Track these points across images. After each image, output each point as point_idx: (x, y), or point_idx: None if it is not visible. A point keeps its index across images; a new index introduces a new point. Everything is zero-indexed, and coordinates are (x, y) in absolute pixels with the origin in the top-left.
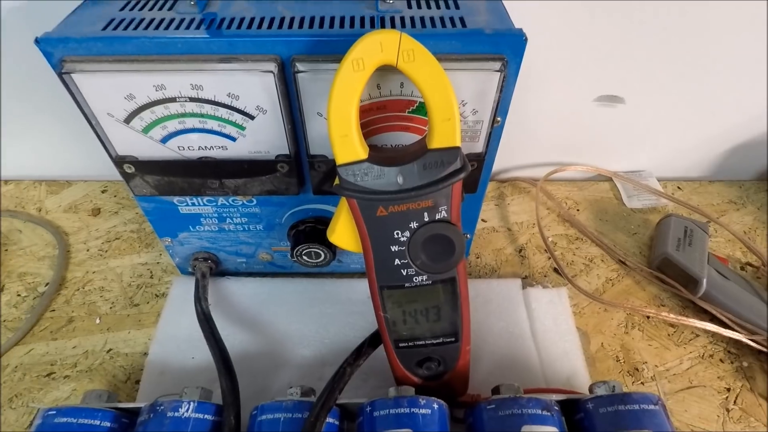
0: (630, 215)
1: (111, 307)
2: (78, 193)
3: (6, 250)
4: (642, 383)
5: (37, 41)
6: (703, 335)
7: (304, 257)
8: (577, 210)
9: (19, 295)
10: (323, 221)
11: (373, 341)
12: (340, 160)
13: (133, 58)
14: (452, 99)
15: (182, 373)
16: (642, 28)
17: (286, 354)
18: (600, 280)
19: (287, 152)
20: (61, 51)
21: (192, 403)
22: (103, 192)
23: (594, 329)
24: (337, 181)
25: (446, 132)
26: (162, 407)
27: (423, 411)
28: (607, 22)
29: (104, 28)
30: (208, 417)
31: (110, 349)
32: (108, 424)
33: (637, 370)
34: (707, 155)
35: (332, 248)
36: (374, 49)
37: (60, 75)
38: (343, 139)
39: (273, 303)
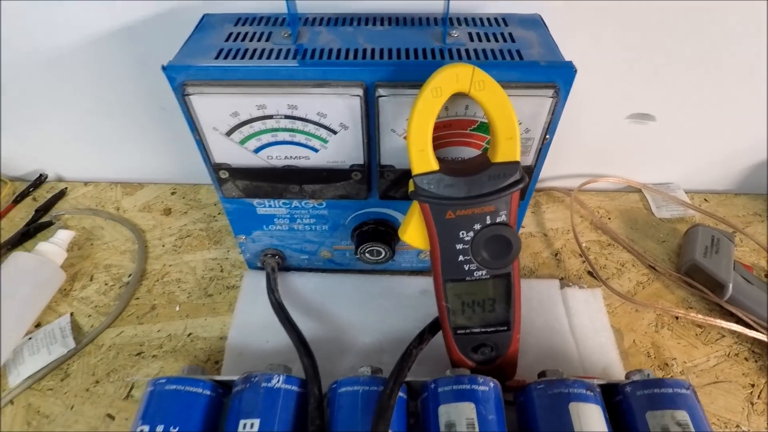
0: (659, 224)
1: (188, 297)
2: (150, 194)
3: (92, 244)
4: (671, 377)
5: (163, 68)
6: (729, 336)
7: (367, 254)
8: (609, 218)
9: (106, 284)
10: (384, 223)
11: (432, 328)
12: (416, 171)
13: (242, 83)
14: (515, 122)
15: (258, 355)
16: (671, 47)
17: (348, 341)
18: (631, 283)
19: (361, 162)
20: (183, 76)
21: (281, 376)
22: (172, 194)
23: (626, 327)
24: (411, 188)
25: (509, 149)
26: (256, 379)
27: (482, 388)
28: (638, 42)
29: (216, 57)
30: (294, 388)
31: (190, 333)
32: (208, 392)
33: (667, 365)
34: (733, 169)
35: (392, 247)
36: (451, 79)
37: (183, 97)
38: (420, 153)
39: (334, 296)
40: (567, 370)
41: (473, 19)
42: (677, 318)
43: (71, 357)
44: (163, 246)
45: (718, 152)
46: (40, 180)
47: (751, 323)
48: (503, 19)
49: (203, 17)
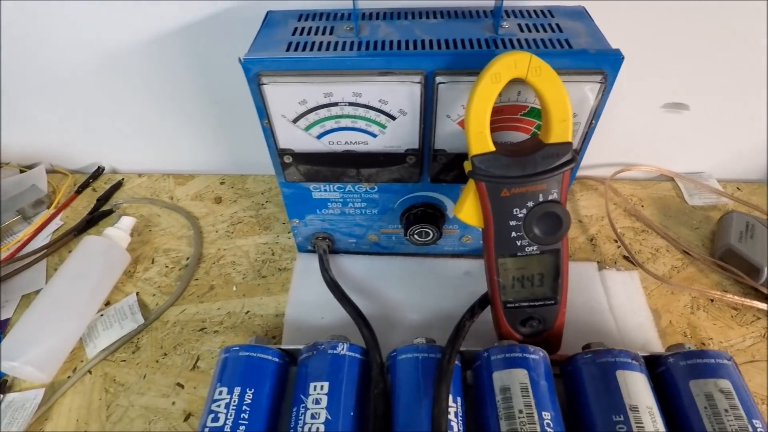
0: (692, 212)
1: (243, 278)
2: (201, 184)
3: (150, 230)
4: None
5: (240, 61)
6: (764, 317)
7: (416, 236)
8: (642, 206)
9: (167, 267)
10: (432, 206)
11: (482, 303)
12: (474, 151)
13: (312, 73)
14: (568, 105)
15: (315, 330)
16: (704, 37)
17: (397, 318)
18: (666, 267)
19: (416, 146)
20: (258, 67)
21: (345, 344)
22: (221, 184)
23: (663, 308)
24: (469, 168)
25: (562, 130)
26: (322, 346)
27: (532, 356)
28: (672, 31)
29: (287, 50)
30: (357, 356)
31: (248, 311)
32: (276, 359)
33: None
34: (765, 159)
35: (440, 228)
36: (510, 66)
37: (258, 87)
38: (478, 135)
39: (383, 276)
40: (608, 345)
41: (521, 11)
42: (712, 301)
43: (141, 332)
44: (217, 232)
45: (750, 142)
46: (98, 172)
47: None
48: (549, 11)
49: (267, 14)
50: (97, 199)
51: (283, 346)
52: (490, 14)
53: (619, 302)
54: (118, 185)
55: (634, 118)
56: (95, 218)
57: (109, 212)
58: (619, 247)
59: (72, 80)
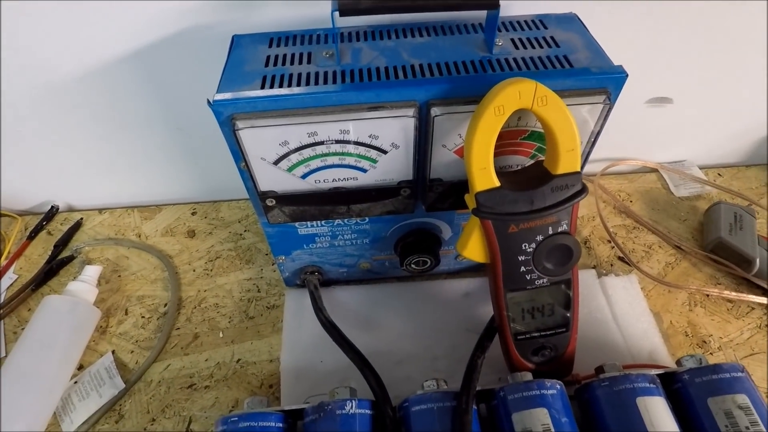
0: (679, 203)
1: (229, 321)
2: (170, 217)
3: (119, 276)
4: (711, 354)
5: (209, 103)
6: (758, 308)
7: (413, 266)
8: (631, 201)
9: (143, 317)
10: (426, 233)
11: (488, 335)
12: (478, 188)
13: (293, 112)
14: (576, 134)
15: (315, 377)
16: (682, 31)
17: (401, 351)
18: (660, 264)
19: (410, 178)
20: (230, 110)
21: (354, 401)
22: (193, 214)
23: (662, 309)
24: (473, 205)
25: (570, 160)
26: (330, 407)
27: (550, 392)
28: (651, 28)
29: (262, 86)
30: (367, 411)
31: (239, 359)
32: (281, 425)
33: (705, 342)
34: (742, 143)
35: (437, 255)
36: (514, 97)
37: (233, 132)
38: (482, 171)
39: (380, 307)
40: (616, 359)
41: (512, 23)
42: (708, 295)
43: (122, 397)
44: (194, 271)
45: (727, 128)
46: (53, 212)
47: None
48: (541, 21)
49: (233, 39)
50: (54, 245)
51: (285, 407)
52: (479, 28)
53: (622, 310)
54: (77, 226)
55: (618, 114)
56: (54, 267)
57: (70, 258)
58: (613, 247)
59: (13, 113)
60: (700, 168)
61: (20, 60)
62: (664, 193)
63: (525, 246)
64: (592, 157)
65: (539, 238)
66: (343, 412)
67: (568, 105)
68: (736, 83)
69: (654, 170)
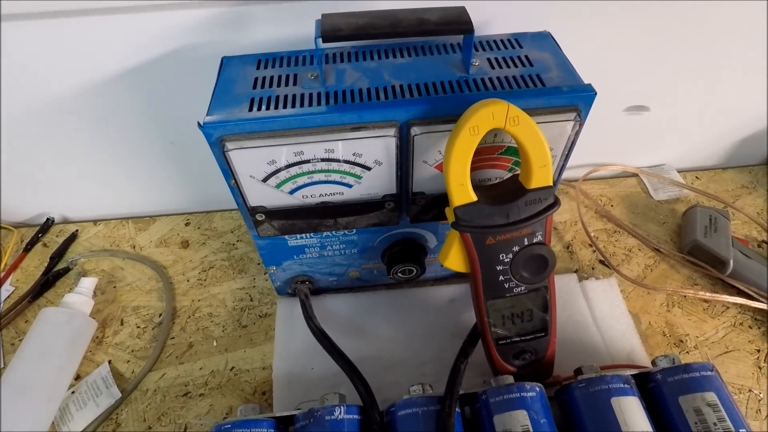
0: (658, 206)
1: (223, 330)
2: (164, 227)
3: (114, 287)
4: (687, 352)
5: (200, 125)
6: (733, 307)
7: (399, 274)
8: (611, 206)
9: (138, 327)
10: (412, 242)
11: (471, 340)
12: (456, 203)
13: (280, 133)
14: (547, 151)
15: (306, 383)
16: (659, 41)
17: (389, 356)
18: (640, 267)
19: (394, 192)
20: (220, 132)
21: (342, 407)
22: (186, 225)
23: (641, 310)
24: (452, 219)
25: (543, 175)
26: (319, 413)
27: (529, 394)
28: (629, 37)
29: (250, 109)
30: (355, 417)
31: (233, 367)
32: (272, 431)
33: (682, 341)
34: (719, 146)
35: (422, 264)
36: (487, 118)
37: (223, 153)
38: (459, 188)
39: (369, 314)
40: (594, 361)
41: (488, 43)
42: (685, 296)
43: (119, 406)
44: (188, 281)
45: (704, 132)
46: (48, 224)
47: (752, 294)
48: (516, 40)
49: (223, 60)
50: (50, 257)
51: (277, 414)
52: (458, 47)
53: (601, 313)
54: (73, 237)
55: (597, 120)
56: (51, 279)
57: (66, 270)
58: (594, 251)
59: (9, 127)
60: (679, 171)
61: (17, 76)
62: (643, 197)
63: (502, 256)
64: (574, 163)
65: (516, 248)
66: (332, 417)
67: (541, 122)
68: (711, 89)
69: (634, 175)
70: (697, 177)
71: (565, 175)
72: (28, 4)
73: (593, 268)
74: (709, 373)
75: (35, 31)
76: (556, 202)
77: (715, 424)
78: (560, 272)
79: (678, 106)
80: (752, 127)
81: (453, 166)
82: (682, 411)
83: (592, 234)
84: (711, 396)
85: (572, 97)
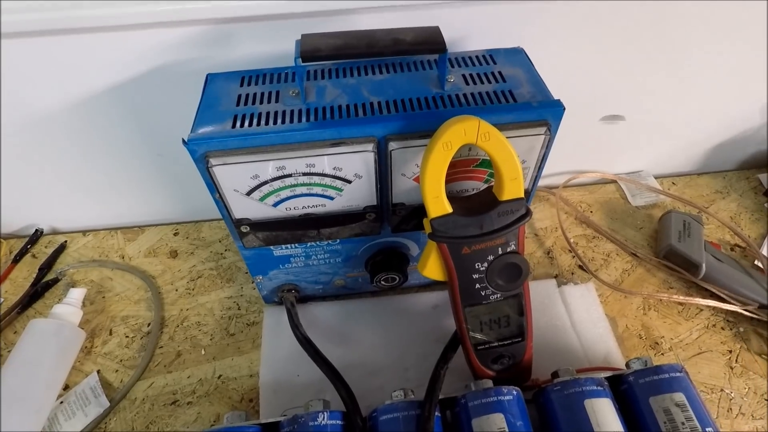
0: (635, 212)
1: (211, 339)
2: (153, 238)
3: (103, 297)
4: (662, 354)
5: (185, 142)
6: (706, 310)
7: (383, 282)
8: (591, 212)
9: (127, 337)
10: (394, 251)
11: (452, 346)
12: (432, 215)
13: (262, 149)
14: (518, 164)
15: (292, 390)
16: (633, 51)
17: (373, 362)
18: (617, 271)
19: (374, 203)
20: (204, 148)
21: (326, 413)
22: (175, 235)
23: (618, 314)
24: (429, 230)
25: (514, 188)
26: (303, 419)
27: (507, 397)
28: (603, 46)
29: (233, 126)
30: (338, 422)
31: (220, 375)
32: None
33: (657, 343)
34: (695, 152)
35: (405, 272)
36: (459, 133)
37: (207, 168)
38: (435, 200)
39: (354, 322)
40: (573, 364)
41: (464, 59)
42: (660, 300)
43: (108, 415)
44: (176, 290)
45: (680, 138)
46: (37, 235)
47: (724, 297)
48: (491, 56)
49: (207, 78)
50: (39, 268)
51: (262, 420)
52: (434, 64)
53: (580, 317)
54: (62, 248)
55: (575, 128)
56: (40, 290)
57: (55, 281)
58: (574, 257)
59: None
60: (656, 177)
61: (7, 91)
62: (622, 202)
63: (478, 265)
64: (554, 170)
65: (490, 257)
66: (316, 423)
67: (512, 137)
68: (684, 98)
69: (613, 181)
70: (673, 183)
71: (546, 182)
72: (18, 23)
73: (573, 273)
74: (678, 374)
75: (25, 49)
76: (527, 213)
77: (683, 423)
78: (540, 278)
79: (653, 114)
80: (725, 133)
81: (428, 180)
82: (652, 411)
83: (571, 240)
84: (679, 396)
85: (542, 112)
